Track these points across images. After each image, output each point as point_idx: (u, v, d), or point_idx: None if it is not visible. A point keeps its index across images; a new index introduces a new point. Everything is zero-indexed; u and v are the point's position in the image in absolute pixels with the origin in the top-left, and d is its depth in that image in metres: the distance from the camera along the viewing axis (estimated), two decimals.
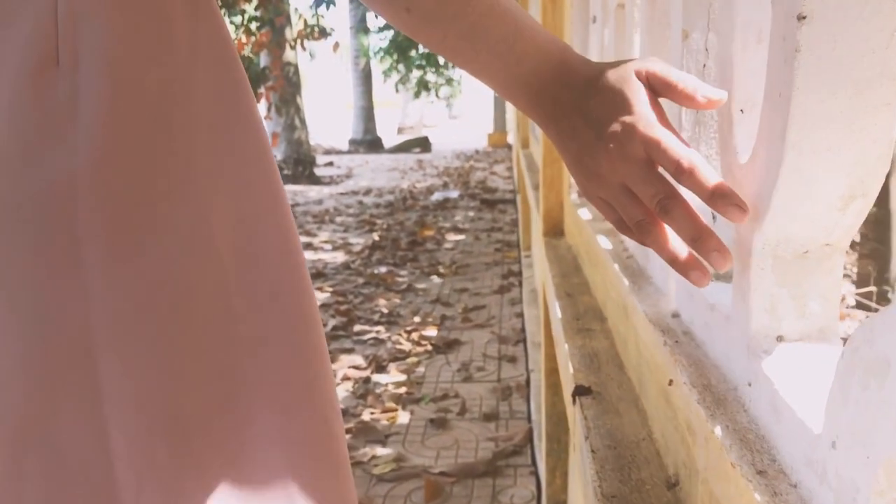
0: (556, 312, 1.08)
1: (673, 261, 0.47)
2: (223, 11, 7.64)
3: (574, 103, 0.50)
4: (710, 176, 0.44)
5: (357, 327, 3.29)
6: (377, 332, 3.24)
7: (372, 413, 2.41)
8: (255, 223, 0.50)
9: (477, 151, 12.72)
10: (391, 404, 2.46)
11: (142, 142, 0.44)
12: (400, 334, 3.18)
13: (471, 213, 6.34)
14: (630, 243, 0.97)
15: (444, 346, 3.01)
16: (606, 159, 0.48)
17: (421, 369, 2.79)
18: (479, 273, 4.25)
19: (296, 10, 8.90)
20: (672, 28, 0.72)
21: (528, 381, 2.61)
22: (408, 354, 2.94)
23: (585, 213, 1.30)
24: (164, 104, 0.45)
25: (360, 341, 3.13)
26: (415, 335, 3.15)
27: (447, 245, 5.08)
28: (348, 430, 2.30)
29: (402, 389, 2.59)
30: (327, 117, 24.21)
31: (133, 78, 0.44)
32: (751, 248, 0.48)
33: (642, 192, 0.47)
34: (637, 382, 0.78)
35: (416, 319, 3.39)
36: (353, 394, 2.59)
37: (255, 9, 7.95)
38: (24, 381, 0.42)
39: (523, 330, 3.15)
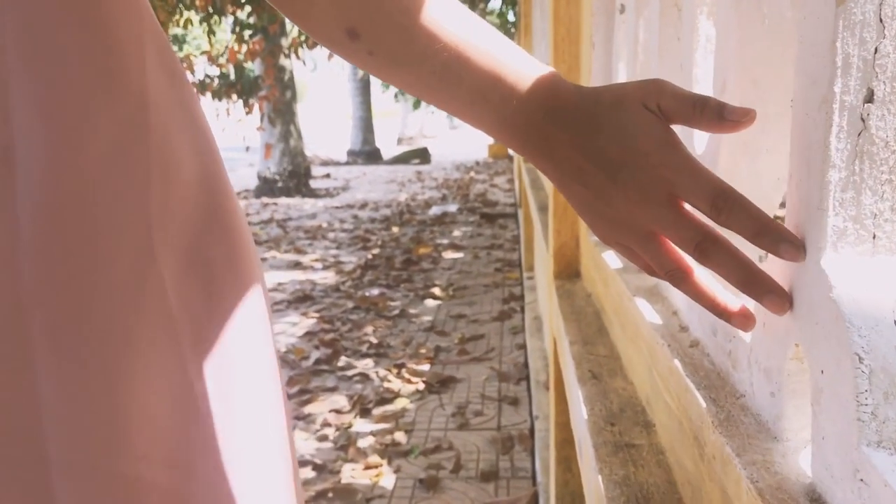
0: (580, 409, 0.78)
1: (713, 307, 0.43)
2: (214, 18, 7.36)
3: (575, 143, 0.45)
4: (754, 211, 0.40)
5: (342, 360, 2.98)
6: (364, 366, 2.92)
7: (353, 470, 2.10)
8: (211, 273, 0.45)
9: (477, 163, 12.42)
10: (375, 458, 2.15)
11: (87, 198, 0.39)
12: (389, 369, 2.87)
13: (470, 229, 6.04)
14: (693, 322, 0.66)
15: (438, 385, 2.70)
16: (624, 204, 0.43)
17: (411, 413, 2.48)
18: (477, 296, 3.94)
19: None
20: None
21: (531, 430, 2.30)
22: (396, 395, 2.62)
23: (612, 259, 1.00)
24: (112, 153, 0.40)
25: (345, 377, 2.82)
26: (405, 371, 2.83)
27: (444, 264, 4.77)
28: (324, 492, 1.99)
29: (389, 439, 2.28)
30: (327, 128, 23.97)
31: (74, 129, 0.39)
32: None
33: (674, 238, 0.42)
34: None
35: (408, 351, 3.07)
36: (333, 444, 2.27)
37: (248, 16, 7.66)
38: None
39: (526, 365, 2.84)
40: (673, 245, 0.43)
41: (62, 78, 0.38)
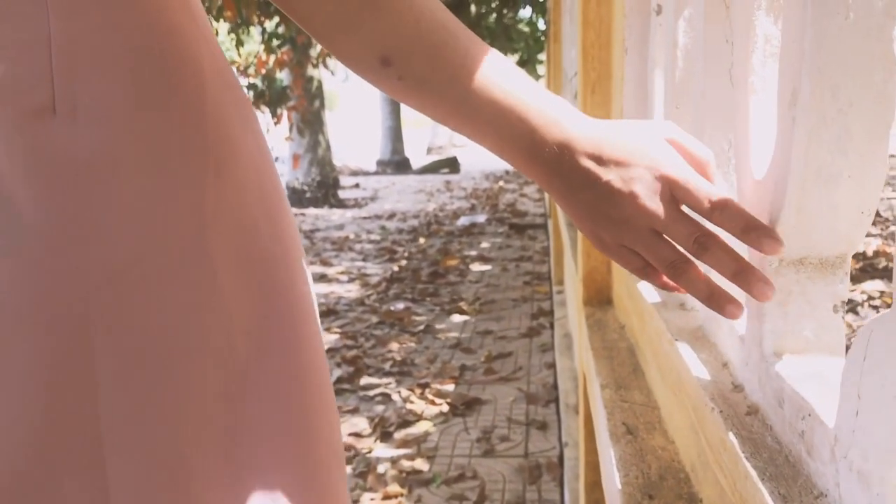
0: (613, 474, 0.66)
1: (709, 298, 0.47)
2: (242, 29, 7.37)
3: (587, 150, 0.48)
4: (743, 212, 0.46)
5: (364, 380, 2.88)
6: (386, 385, 2.82)
7: (371, 500, 1.99)
8: (265, 269, 0.46)
9: (507, 172, 12.29)
10: (395, 487, 2.04)
11: (142, 190, 0.41)
12: (412, 389, 2.76)
13: (498, 240, 5.92)
14: (751, 383, 0.54)
15: (463, 407, 2.58)
16: (632, 205, 0.47)
17: (434, 438, 2.37)
18: (505, 311, 3.82)
19: None
20: None
21: (561, 458, 2.17)
22: (419, 417, 2.52)
23: (649, 291, 0.88)
24: (169, 147, 0.42)
25: (366, 398, 2.72)
26: (429, 392, 2.72)
27: (471, 277, 4.65)
28: None
29: (410, 465, 2.17)
30: (358, 138, 24.04)
31: (138, 128, 0.41)
32: None
33: (675, 233, 0.47)
34: None
35: (432, 370, 2.97)
36: (352, 470, 2.17)
37: (276, 26, 7.66)
38: (30, 452, 0.39)
39: (555, 386, 2.71)
40: (672, 241, 0.48)
41: (122, 75, 0.40)
